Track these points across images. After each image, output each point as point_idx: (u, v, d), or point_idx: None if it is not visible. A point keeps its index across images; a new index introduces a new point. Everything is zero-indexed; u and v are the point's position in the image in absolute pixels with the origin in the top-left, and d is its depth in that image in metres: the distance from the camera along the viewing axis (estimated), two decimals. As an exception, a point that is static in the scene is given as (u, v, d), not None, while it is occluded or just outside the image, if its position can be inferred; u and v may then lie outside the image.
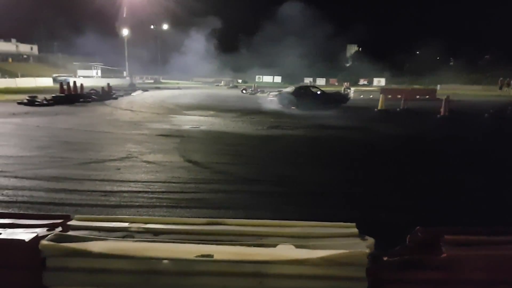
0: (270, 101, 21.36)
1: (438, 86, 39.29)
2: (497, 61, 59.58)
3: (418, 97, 28.16)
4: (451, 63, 69.06)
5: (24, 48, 70.81)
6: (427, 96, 28.47)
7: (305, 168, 7.24)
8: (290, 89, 21.79)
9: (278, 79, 67.82)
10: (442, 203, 5.27)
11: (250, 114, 16.71)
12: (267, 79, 67.69)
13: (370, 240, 2.07)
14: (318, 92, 20.62)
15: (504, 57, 58.46)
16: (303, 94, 20.26)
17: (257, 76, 66.67)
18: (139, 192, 5.41)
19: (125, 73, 59.01)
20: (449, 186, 6.15)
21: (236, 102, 23.48)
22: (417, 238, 2.14)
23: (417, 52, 68.05)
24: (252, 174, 6.69)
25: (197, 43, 63.35)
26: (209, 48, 65.42)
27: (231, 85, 54.32)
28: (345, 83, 48.40)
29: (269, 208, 4.84)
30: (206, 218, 2.45)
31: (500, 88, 37.98)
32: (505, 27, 58.67)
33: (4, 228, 2.18)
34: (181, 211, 4.68)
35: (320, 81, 63.55)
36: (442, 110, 16.72)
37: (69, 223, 2.26)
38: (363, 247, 1.97)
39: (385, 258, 1.94)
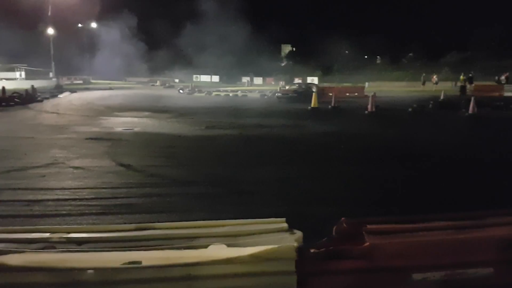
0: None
1: (367, 84, 41.34)
2: (419, 58, 64.17)
3: (348, 94, 29.44)
4: (378, 61, 73.11)
5: None
6: (356, 94, 29.86)
7: (240, 168, 7.27)
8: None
9: (216, 78, 67.53)
10: (369, 194, 5.56)
11: (187, 115, 16.48)
12: (205, 78, 67.13)
13: (298, 234, 2.13)
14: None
15: (425, 54, 63.11)
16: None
17: (194, 76, 65.84)
18: (66, 200, 5.11)
19: (51, 74, 55.49)
20: (378, 178, 6.51)
21: (173, 102, 23.01)
22: (342, 229, 2.23)
23: (346, 52, 71.19)
24: (186, 176, 6.60)
25: (128, 42, 61.22)
26: (142, 47, 63.52)
27: (167, 85, 53.07)
28: (281, 82, 49.29)
29: (204, 209, 4.80)
30: (137, 223, 2.37)
31: (423, 83, 40.66)
32: (426, 24, 63.52)
33: None
34: (112, 217, 4.49)
35: (257, 80, 64.32)
36: (369, 106, 17.65)
37: (-18, 237, 2.09)
38: (291, 241, 2.02)
39: (312, 250, 2.00)
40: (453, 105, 19.19)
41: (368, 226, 2.16)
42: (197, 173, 6.81)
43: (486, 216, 2.39)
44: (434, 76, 41.36)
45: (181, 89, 37.53)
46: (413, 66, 62.20)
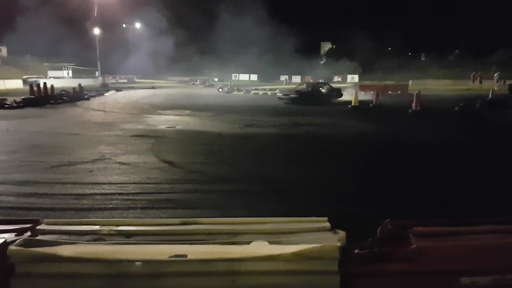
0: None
1: (410, 82, 40.10)
2: (466, 55, 61.45)
3: (390, 92, 28.72)
4: (422, 59, 70.70)
5: (-8, 50, 68.34)
6: (399, 92, 29.07)
7: (277, 166, 7.28)
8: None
9: (254, 77, 67.83)
10: (412, 196, 5.40)
11: (227, 113, 16.66)
12: (243, 77, 67.59)
13: (342, 234, 2.10)
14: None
15: (472, 51, 60.33)
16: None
17: (233, 75, 66.47)
18: (113, 194, 5.32)
19: (97, 73, 57.78)
20: (421, 180, 6.31)
21: (212, 101, 23.35)
22: (387, 231, 2.19)
23: (389, 48, 69.33)
24: (227, 173, 6.68)
25: (171, 42, 62.71)
26: (183, 47, 64.86)
27: (207, 83, 53.91)
28: (320, 80, 48.80)
29: (244, 206, 4.85)
30: (180, 218, 2.43)
31: (473, 82, 38.88)
32: (474, 22, 60.65)
33: (-30, 234, 2.11)
34: (156, 212, 4.63)
35: (296, 79, 63.98)
36: (413, 105, 17.10)
37: (38, 227, 2.21)
38: (334, 240, 2.00)
39: (356, 251, 1.98)
40: (502, 104, 18.23)
41: (415, 228, 2.10)
42: (237, 171, 6.88)
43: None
44: (496, 74, 39.29)
45: (220, 88, 37.97)
46: (460, 63, 59.65)
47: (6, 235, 2.08)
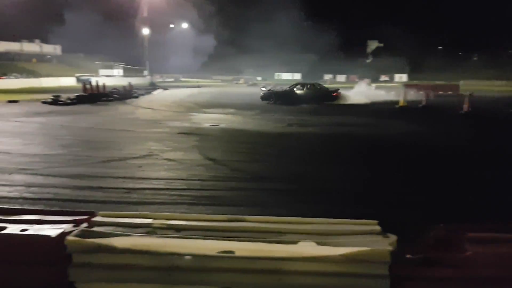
0: None
1: (461, 82, 38.32)
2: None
3: (440, 93, 27.60)
4: (475, 58, 67.35)
5: (48, 48, 72.30)
6: (450, 92, 27.87)
7: (321, 166, 7.21)
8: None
9: (297, 76, 67.52)
10: (461, 200, 5.16)
11: (270, 112, 16.70)
12: (286, 76, 67.45)
13: (393, 238, 2.05)
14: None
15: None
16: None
17: (276, 74, 66.50)
18: (161, 189, 5.49)
19: (145, 72, 59.72)
20: (471, 184, 6.02)
21: (256, 99, 23.45)
22: (439, 235, 2.12)
23: (439, 47, 66.63)
24: (269, 171, 6.70)
25: (216, 42, 63.66)
26: (228, 46, 65.66)
27: (250, 83, 54.29)
28: (365, 80, 47.71)
29: (285, 205, 4.84)
30: (226, 215, 2.47)
31: None
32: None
33: (31, 224, 2.25)
34: (201, 208, 4.72)
35: (340, 78, 62.93)
36: (465, 106, 16.34)
37: (94, 219, 2.31)
38: (385, 244, 1.96)
39: (407, 256, 1.92)
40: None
41: (471, 234, 2.02)
42: (280, 170, 6.88)
43: None
44: None
45: (263, 87, 38.04)
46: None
47: (64, 226, 2.19)
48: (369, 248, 1.84)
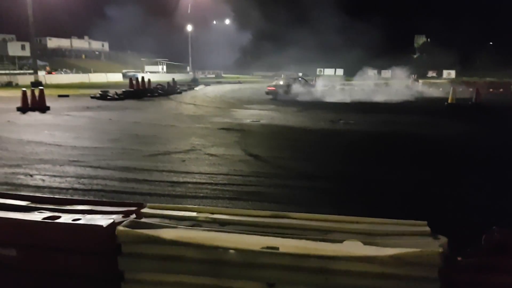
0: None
1: (515, 79, 36.19)
2: None
3: (491, 90, 26.22)
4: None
5: (96, 45, 75.38)
6: (501, 90, 26.41)
7: (366, 165, 7.04)
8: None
9: (340, 71, 66.32)
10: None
11: (312, 108, 16.54)
12: (329, 72, 66.41)
13: (443, 239, 1.97)
14: None
15: None
16: None
17: (318, 69, 65.62)
18: (203, 183, 5.59)
19: (188, 68, 60.90)
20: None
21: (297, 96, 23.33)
22: (494, 239, 2.01)
23: (490, 43, 63.33)
24: (312, 169, 6.63)
25: (257, 38, 63.75)
26: (269, 41, 65.57)
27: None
28: (413, 75, 46.12)
29: (328, 204, 4.78)
30: (271, 211, 2.46)
31: None
32: None
33: (83, 214, 2.35)
34: (243, 203, 4.76)
35: (385, 74, 61.14)
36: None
37: (142, 210, 2.38)
38: (435, 246, 1.88)
39: (459, 259, 1.84)
40: None
41: (528, 240, 1.90)
42: (322, 168, 6.80)
43: None
44: None
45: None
46: None
47: (114, 216, 2.27)
48: (418, 250, 1.77)
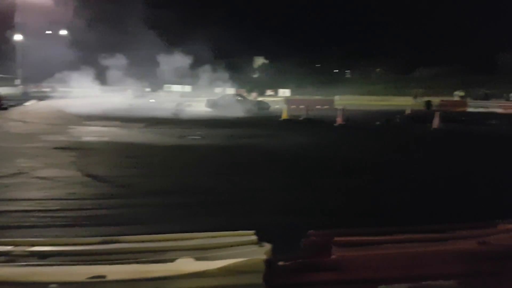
0: None
1: (337, 97, 41.99)
2: (388, 73, 67.22)
3: (318, 107, 29.88)
4: (347, 76, 75.45)
5: None
6: (326, 106, 30.34)
7: (211, 177, 7.26)
8: None
9: (188, 88, 67.08)
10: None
11: (159, 124, 16.29)
12: (176, 88, 66.51)
13: (267, 247, 2.13)
14: None
15: (393, 69, 66.23)
16: None
17: (165, 85, 65.07)
18: (31, 211, 4.95)
19: (17, 81, 53.79)
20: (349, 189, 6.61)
21: (144, 111, 22.70)
22: (311, 241, 2.26)
23: (318, 65, 72.98)
24: (156, 186, 6.51)
25: (102, 51, 60.06)
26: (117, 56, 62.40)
27: (138, 94, 52.21)
28: (253, 93, 49.39)
29: (174, 220, 4.74)
30: (104, 236, 2.32)
31: (415, 97, 39.59)
32: (394, 39, 66.26)
33: None
34: (78, 229, 4.37)
35: (230, 91, 64.14)
36: (338, 119, 18.00)
37: None
38: (260, 254, 2.03)
39: (280, 263, 2.01)
40: (419, 119, 19.85)
41: (336, 238, 2.19)
42: (167, 183, 6.74)
43: (452, 229, 2.47)
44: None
45: (152, 98, 37.08)
46: (383, 80, 64.55)
47: None
48: (243, 259, 1.88)
